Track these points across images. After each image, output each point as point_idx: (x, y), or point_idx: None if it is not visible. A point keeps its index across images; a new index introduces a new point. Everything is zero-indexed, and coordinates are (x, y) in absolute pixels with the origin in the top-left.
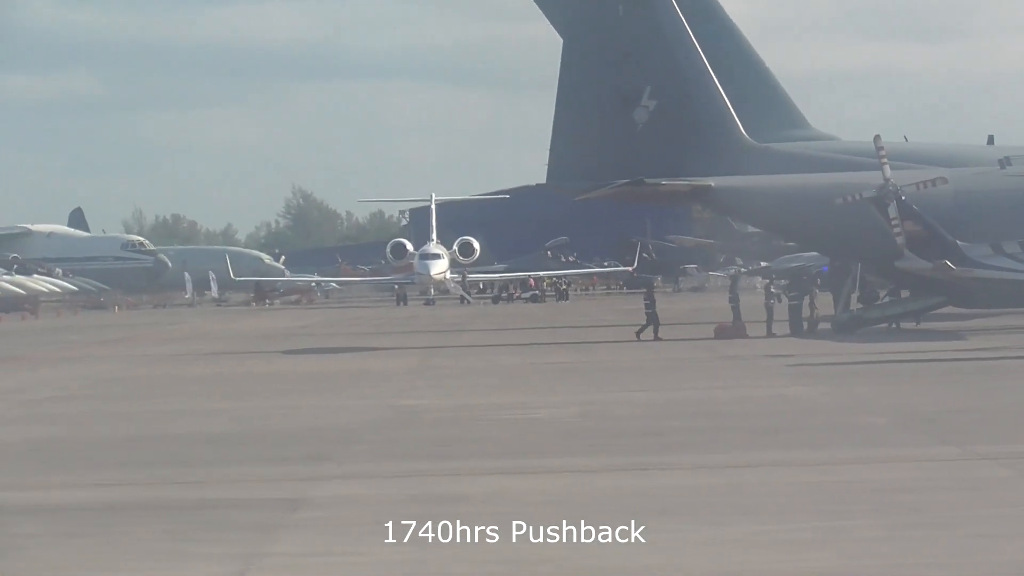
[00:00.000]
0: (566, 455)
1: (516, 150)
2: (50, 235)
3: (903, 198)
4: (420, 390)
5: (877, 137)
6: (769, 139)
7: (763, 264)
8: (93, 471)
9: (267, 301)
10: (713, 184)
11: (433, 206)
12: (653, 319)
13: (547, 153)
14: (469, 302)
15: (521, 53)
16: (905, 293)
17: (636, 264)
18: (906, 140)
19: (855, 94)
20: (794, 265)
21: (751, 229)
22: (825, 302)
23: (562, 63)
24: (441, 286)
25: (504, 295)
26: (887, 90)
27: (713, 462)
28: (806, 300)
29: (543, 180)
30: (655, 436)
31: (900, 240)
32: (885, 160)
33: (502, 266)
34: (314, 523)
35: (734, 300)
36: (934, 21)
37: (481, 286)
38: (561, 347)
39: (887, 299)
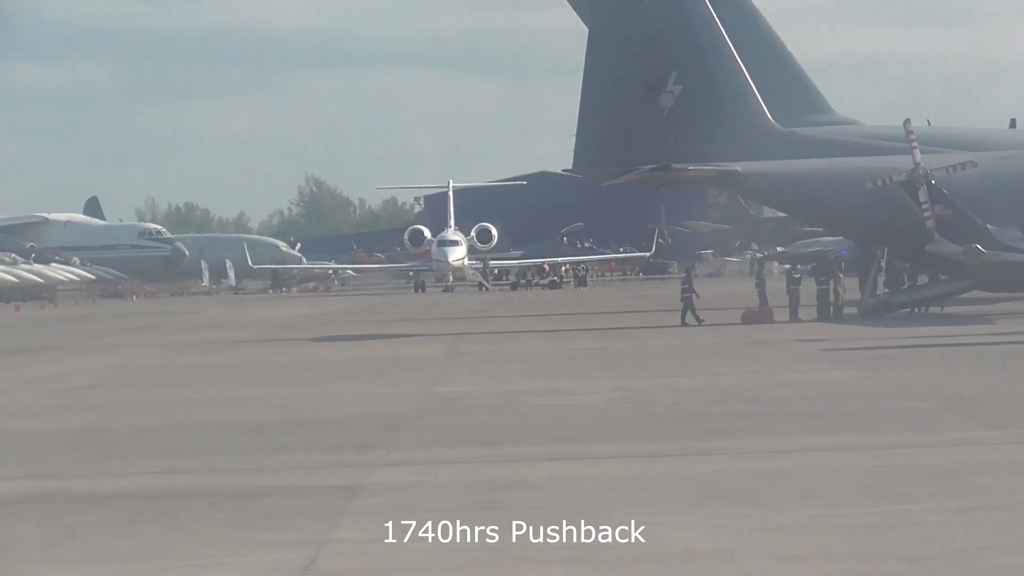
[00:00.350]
0: (614, 441)
1: (527, 137)
2: (67, 224)
3: (933, 182)
4: (455, 377)
5: (907, 121)
6: (791, 124)
7: (779, 249)
8: (142, 459)
9: (284, 289)
10: (740, 169)
11: (451, 193)
12: (689, 304)
13: (560, 139)
14: (487, 289)
15: (533, 40)
16: (923, 278)
17: (654, 250)
18: (928, 124)
19: (865, 79)
20: (812, 250)
21: (767, 214)
22: (849, 286)
23: (588, 49)
24: (459, 273)
25: (523, 282)
26: (898, 75)
27: (764, 447)
28: (831, 284)
29: (558, 166)
30: (700, 421)
31: (930, 224)
32: (915, 144)
33: (518, 252)
34: (376, 509)
35: (760, 285)
36: (943, 6)
37: (496, 272)
38: (589, 333)
39: (907, 284)
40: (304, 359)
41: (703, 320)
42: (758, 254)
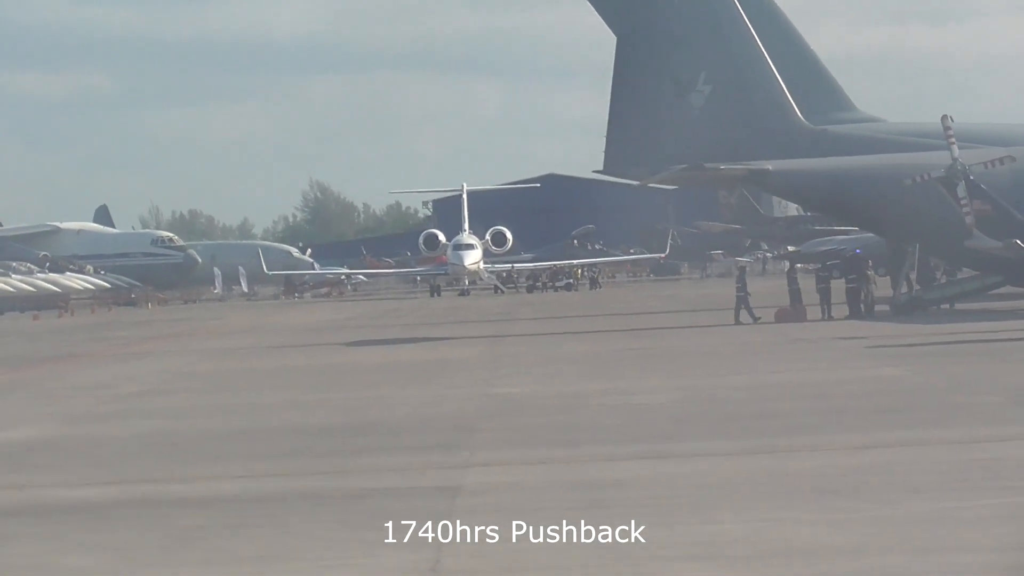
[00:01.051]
0: (695, 439)
1: (532, 140)
2: (79, 232)
3: (971, 178)
4: (506, 378)
5: (945, 117)
6: (816, 122)
7: (791, 248)
8: (225, 463)
9: (297, 294)
10: (771, 168)
11: (465, 196)
12: (744, 301)
13: (567, 141)
14: (503, 292)
15: (537, 41)
16: (940, 274)
17: (668, 251)
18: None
19: (867, 77)
20: (826, 248)
21: (777, 214)
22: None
23: (617, 50)
24: (474, 276)
25: (537, 284)
26: (896, 73)
27: (851, 442)
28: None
29: (565, 168)
30: (775, 418)
31: (969, 220)
32: (953, 140)
33: (529, 255)
34: (482, 509)
35: (793, 284)
36: (940, 4)
37: (505, 275)
38: (623, 334)
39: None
40: (346, 363)
41: (759, 318)
42: (768, 253)
